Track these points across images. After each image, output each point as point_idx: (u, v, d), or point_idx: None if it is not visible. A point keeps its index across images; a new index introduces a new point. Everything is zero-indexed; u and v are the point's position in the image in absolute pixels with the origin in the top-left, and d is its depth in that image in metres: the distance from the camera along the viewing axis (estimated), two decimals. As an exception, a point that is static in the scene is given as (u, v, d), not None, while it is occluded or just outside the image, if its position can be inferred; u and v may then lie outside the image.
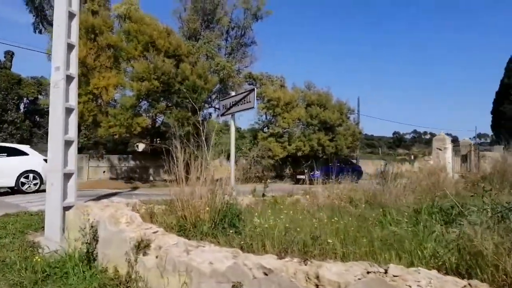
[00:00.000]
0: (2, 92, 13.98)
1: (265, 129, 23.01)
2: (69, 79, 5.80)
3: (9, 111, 13.92)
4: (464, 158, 17.11)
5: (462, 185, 10.40)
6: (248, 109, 8.01)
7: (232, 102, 8.66)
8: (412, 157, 44.08)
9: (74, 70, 5.93)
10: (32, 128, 20.93)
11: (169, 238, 3.72)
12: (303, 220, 4.26)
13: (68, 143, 5.78)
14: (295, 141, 21.61)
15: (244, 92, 8.18)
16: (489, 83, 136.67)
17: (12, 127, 13.24)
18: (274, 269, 2.50)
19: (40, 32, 27.17)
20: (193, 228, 4.02)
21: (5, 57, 27.34)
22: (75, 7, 5.98)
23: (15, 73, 24.76)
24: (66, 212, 5.23)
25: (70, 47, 5.85)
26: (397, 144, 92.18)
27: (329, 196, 7.55)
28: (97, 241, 4.29)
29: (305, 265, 2.40)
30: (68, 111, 5.80)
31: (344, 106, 25.33)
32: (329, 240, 3.00)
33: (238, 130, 25.17)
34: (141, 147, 30.09)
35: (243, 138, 23.59)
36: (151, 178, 18.50)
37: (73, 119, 5.94)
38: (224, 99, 9.37)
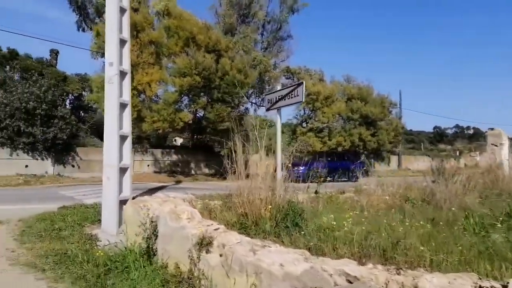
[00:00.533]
0: (52, 89, 14.56)
1: (304, 124, 22.64)
2: (122, 74, 5.83)
3: (59, 107, 14.50)
4: (521, 154, 15.92)
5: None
6: (296, 103, 7.79)
7: (279, 96, 8.45)
8: (458, 153, 42.12)
9: (127, 65, 5.95)
10: (77, 123, 21.78)
11: (231, 236, 3.59)
12: (372, 221, 4.01)
13: (123, 138, 5.83)
14: (336, 136, 21.10)
15: (292, 86, 7.95)
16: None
17: (62, 122, 13.77)
18: (360, 277, 2.29)
19: (83, 30, 28.15)
20: (255, 226, 3.88)
21: (50, 55, 28.66)
22: (125, 2, 6.00)
23: (61, 70, 25.88)
24: (124, 206, 5.27)
25: (122, 42, 5.88)
26: (438, 139, 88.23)
27: (383, 194, 7.19)
28: (156, 236, 4.26)
29: (399, 274, 2.17)
30: (122, 106, 5.83)
31: (386, 100, 24.45)
32: (420, 247, 2.73)
33: (271, 124, 24.96)
34: (179, 141, 30.63)
35: (281, 133, 23.32)
36: (192, 172, 18.72)
37: (127, 114, 5.98)
38: (270, 93, 9.17)
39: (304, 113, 23.53)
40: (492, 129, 19.30)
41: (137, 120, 15.22)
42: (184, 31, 15.39)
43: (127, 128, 5.92)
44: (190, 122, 15.70)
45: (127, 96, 5.88)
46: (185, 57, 14.89)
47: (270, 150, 20.49)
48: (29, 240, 4.82)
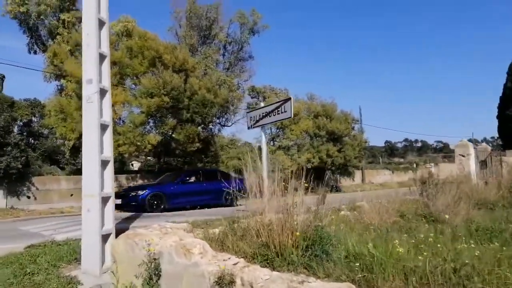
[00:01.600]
0: (4, 114, 13.25)
1: (272, 142, 22.50)
2: (102, 92, 5.21)
3: (11, 133, 13.17)
4: (483, 164, 16.74)
5: (495, 191, 9.95)
6: (285, 119, 7.50)
7: (263, 113, 8.13)
8: (415, 165, 43.96)
9: (107, 82, 5.34)
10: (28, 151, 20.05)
11: (257, 271, 3.11)
12: (404, 242, 3.68)
13: (104, 163, 5.16)
14: (305, 153, 21.11)
15: (278, 102, 7.68)
16: (479, 90, 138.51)
17: (16, 150, 12.48)
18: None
19: (35, 52, 26.51)
20: (279, 257, 3.40)
21: (-5, 80, 26.56)
22: (104, 14, 5.45)
23: (8, 95, 23.96)
24: (112, 242, 4.58)
25: (101, 57, 5.29)
26: (389, 153, 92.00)
27: (378, 211, 6.94)
28: (159, 276, 3.65)
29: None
30: (103, 127, 5.20)
31: (349, 116, 25.01)
32: (507, 273, 2.41)
33: (245, 143, 24.67)
34: (136, 165, 29.16)
35: (248, 153, 22.96)
36: (159, 197, 17.74)
37: (108, 136, 5.33)
38: (252, 110, 8.86)
39: (271, 131, 23.45)
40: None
41: (101, 144, 14.25)
42: (149, 51, 14.79)
43: (109, 152, 5.28)
44: (157, 144, 14.92)
45: (107, 117, 5.25)
46: (152, 77, 14.25)
47: (240, 171, 19.89)
48: (-3, 291, 4.00)
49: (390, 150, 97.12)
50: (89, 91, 5.07)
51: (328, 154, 22.07)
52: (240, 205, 13.66)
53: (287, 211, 3.73)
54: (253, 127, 8.79)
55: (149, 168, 18.72)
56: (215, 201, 13.35)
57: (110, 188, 5.22)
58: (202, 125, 16.57)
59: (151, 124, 15.84)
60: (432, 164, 48.61)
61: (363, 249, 3.51)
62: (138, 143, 13.99)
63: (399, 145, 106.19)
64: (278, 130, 22.34)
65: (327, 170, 25.81)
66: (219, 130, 22.20)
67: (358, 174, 30.65)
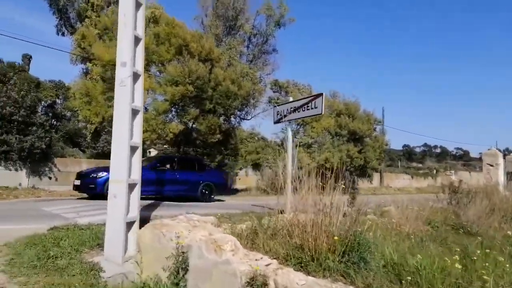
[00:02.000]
0: (32, 93, 13.42)
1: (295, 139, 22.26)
2: (135, 76, 5.10)
3: (36, 114, 13.35)
4: (510, 176, 16.11)
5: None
6: (314, 115, 7.27)
7: (291, 108, 7.92)
8: (434, 171, 42.98)
9: (140, 66, 5.23)
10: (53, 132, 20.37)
11: (292, 275, 2.93)
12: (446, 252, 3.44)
13: (133, 149, 5.06)
14: (324, 151, 20.79)
15: (308, 97, 7.44)
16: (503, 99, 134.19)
17: (41, 130, 12.62)
18: None
19: (63, 34, 26.89)
20: (314, 261, 3.22)
21: (23, 60, 27.06)
22: (141, -3, 5.33)
23: (33, 76, 24.40)
24: (137, 231, 4.49)
25: (136, 40, 5.16)
26: (407, 157, 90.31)
27: (407, 218, 6.65)
28: (186, 270, 3.53)
29: None
30: (134, 112, 5.08)
31: (372, 117, 24.52)
32: None
33: (262, 138, 24.50)
34: (153, 153, 29.38)
35: (266, 147, 22.81)
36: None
37: (139, 121, 5.22)
38: (280, 105, 8.65)
39: (292, 127, 23.22)
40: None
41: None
42: (176, 38, 14.70)
43: (138, 138, 5.17)
44: (179, 133, 14.88)
45: (139, 102, 5.15)
46: (178, 65, 14.16)
47: (257, 166, 19.62)
48: (21, 272, 3.95)
49: (408, 154, 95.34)
50: (122, 74, 4.96)
51: (348, 155, 21.69)
52: (220, 200, 13.36)
53: (323, 212, 3.53)
54: (281, 122, 8.59)
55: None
56: (189, 193, 12.31)
57: (137, 175, 5.12)
58: (224, 117, 16.45)
59: (173, 112, 15.79)
60: (453, 171, 47.57)
61: (402, 259, 3.30)
62: (160, 131, 13.97)
63: (417, 149, 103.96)
64: (298, 127, 22.06)
65: (346, 170, 25.48)
66: (238, 123, 22.11)
67: (376, 176, 30.11)
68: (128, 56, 4.95)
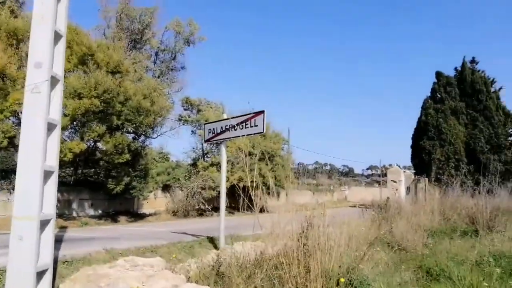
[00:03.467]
0: None
1: (207, 158, 21.53)
2: (53, 81, 4.01)
3: None
4: (407, 190, 17.94)
5: (437, 219, 10.46)
6: (254, 134, 6.82)
7: (226, 125, 7.37)
8: (332, 187, 46.25)
9: (60, 69, 4.14)
10: None
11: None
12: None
13: (47, 175, 3.92)
14: (238, 171, 20.49)
15: (247, 114, 6.98)
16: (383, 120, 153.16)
17: None
18: None
19: None
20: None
21: None
22: (60, -16, 4.30)
23: None
24: (66, 285, 3.36)
25: (57, 36, 4.10)
26: (302, 174, 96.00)
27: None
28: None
29: None
30: (50, 127, 3.97)
31: (280, 136, 25.25)
32: None
33: (168, 158, 23.21)
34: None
35: (177, 167, 21.64)
36: (74, 213, 15.45)
37: (55, 139, 4.11)
38: (211, 122, 8.00)
39: (202, 146, 22.49)
40: (390, 165, 21.85)
41: (9, 149, 11.99)
42: (79, 46, 13.01)
43: (54, 160, 4.06)
44: (80, 153, 13.00)
45: (57, 114, 4.06)
46: (82, 76, 12.48)
47: (167, 187, 18.35)
48: None
49: (303, 171, 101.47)
50: (36, 78, 3.84)
51: (260, 173, 21.75)
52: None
53: (316, 246, 3.03)
54: (212, 141, 7.96)
55: (62, 180, 16.28)
56: None
57: (52, 208, 3.99)
58: (134, 135, 15.03)
59: (72, 129, 13.85)
60: (346, 187, 51.91)
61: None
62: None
63: (310, 167, 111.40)
64: (212, 146, 21.46)
65: (257, 189, 25.57)
66: (149, 142, 20.54)
67: (283, 193, 30.96)
68: (45, 56, 3.87)
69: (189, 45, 26.80)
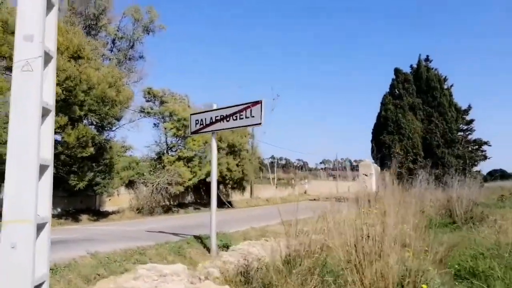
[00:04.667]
0: None
1: (171, 152, 20.68)
2: (46, 58, 3.36)
3: None
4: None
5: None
6: (251, 125, 6.41)
7: (217, 116, 6.92)
8: (293, 181, 46.78)
9: (53, 44, 3.48)
10: None
11: None
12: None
13: (41, 170, 3.28)
14: (206, 165, 19.91)
15: (242, 104, 6.54)
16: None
17: None
18: None
19: None
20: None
21: None
22: None
23: None
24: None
25: (49, 5, 3.44)
26: (260, 168, 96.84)
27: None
28: None
29: None
30: (44, 113, 3.34)
31: (246, 130, 24.95)
32: None
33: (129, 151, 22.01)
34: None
35: (141, 162, 20.58)
36: (29, 213, 14.12)
37: (50, 127, 3.45)
38: (198, 113, 7.47)
39: (168, 140, 21.57)
40: (361, 160, 22.42)
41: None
42: (37, 28, 11.76)
43: (49, 152, 3.42)
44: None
45: (51, 97, 3.42)
46: (41, 61, 11.29)
47: (131, 183, 17.40)
48: None
49: (260, 166, 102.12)
50: (26, 54, 3.18)
51: (228, 168, 21.37)
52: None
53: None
54: (200, 133, 7.47)
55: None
56: None
57: (47, 208, 3.37)
58: (98, 127, 13.99)
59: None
60: (306, 180, 52.84)
61: None
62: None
63: (266, 161, 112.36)
64: (178, 139, 20.67)
65: (224, 184, 25.10)
66: (114, 135, 19.26)
67: (248, 188, 30.77)
68: (37, 27, 3.22)
69: (148, 33, 25.63)
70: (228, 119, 6.69)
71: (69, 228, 11.33)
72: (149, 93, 22.11)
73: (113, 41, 25.44)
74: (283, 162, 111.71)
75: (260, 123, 6.23)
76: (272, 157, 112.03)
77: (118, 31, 25.00)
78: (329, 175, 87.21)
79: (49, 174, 3.41)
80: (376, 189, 16.19)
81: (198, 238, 7.90)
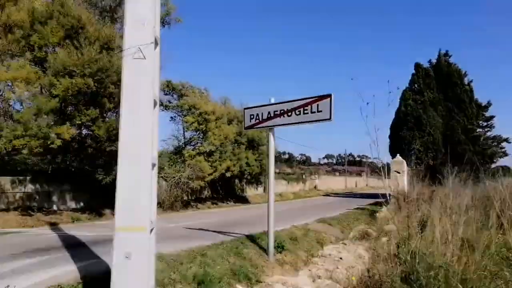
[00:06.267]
0: None
1: (189, 147, 20.35)
2: (155, 46, 3.03)
3: None
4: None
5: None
6: (318, 121, 6.05)
7: (277, 111, 6.57)
8: (303, 176, 46.42)
9: (158, 29, 3.16)
10: None
11: None
12: None
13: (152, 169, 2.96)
14: (226, 160, 19.60)
15: (307, 98, 6.18)
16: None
17: None
18: None
19: None
20: None
21: None
22: None
23: None
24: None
25: (156, -12, 3.10)
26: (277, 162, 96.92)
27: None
28: None
29: None
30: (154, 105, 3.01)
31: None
32: None
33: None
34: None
35: (160, 156, 20.28)
36: (54, 207, 13.84)
37: (156, 121, 3.14)
38: (252, 107, 7.10)
39: (184, 134, 21.22)
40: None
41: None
42: (67, 18, 11.42)
43: (156, 148, 3.11)
44: (71, 139, 11.54)
45: (157, 88, 3.10)
46: (73, 51, 10.97)
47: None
48: None
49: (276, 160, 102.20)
50: (137, 40, 2.86)
51: (247, 162, 21.07)
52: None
53: None
54: (255, 128, 7.14)
55: (37, 168, 14.52)
56: None
57: (154, 211, 3.06)
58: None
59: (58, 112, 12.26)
60: (316, 176, 52.52)
61: None
62: (44, 137, 10.51)
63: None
64: (197, 133, 20.33)
65: (240, 179, 24.80)
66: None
67: (263, 183, 30.44)
68: (150, 10, 2.89)
69: (164, 26, 25.24)
70: (290, 113, 6.33)
71: (101, 224, 11.07)
72: (167, 86, 21.70)
73: (129, 33, 25.00)
74: (286, 156, 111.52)
75: (329, 119, 5.86)
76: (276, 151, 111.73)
77: (133, 22, 24.55)
78: (334, 170, 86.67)
79: (155, 173, 3.09)
80: (408, 187, 15.86)
81: (249, 237, 7.60)
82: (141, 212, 2.73)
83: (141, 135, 2.79)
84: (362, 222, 12.25)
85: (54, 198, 14.16)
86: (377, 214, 9.50)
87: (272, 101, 6.77)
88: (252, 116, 6.98)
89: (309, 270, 3.62)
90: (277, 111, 6.56)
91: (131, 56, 2.84)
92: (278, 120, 6.57)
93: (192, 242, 6.72)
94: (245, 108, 7.26)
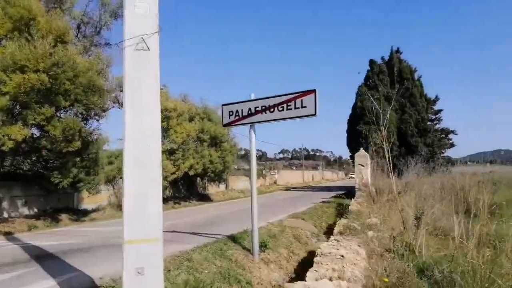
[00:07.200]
0: None
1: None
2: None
3: None
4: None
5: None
6: (302, 117, 5.95)
7: (257, 107, 6.40)
8: (263, 171, 46.67)
9: (157, 19, 2.85)
10: None
11: None
12: None
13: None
14: (189, 158, 19.10)
15: (291, 94, 6.05)
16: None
17: None
18: None
19: None
20: None
21: None
22: None
23: None
24: None
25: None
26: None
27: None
28: None
29: None
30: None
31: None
32: None
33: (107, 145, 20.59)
34: None
35: (120, 156, 19.33)
36: (5, 214, 12.64)
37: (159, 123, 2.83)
38: (232, 104, 6.85)
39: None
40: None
41: None
42: (16, 8, 10.42)
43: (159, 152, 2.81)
44: (23, 140, 10.56)
45: (159, 83, 2.80)
46: (25, 45, 10.02)
47: (111, 179, 16.41)
48: None
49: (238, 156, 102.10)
50: (139, 29, 2.55)
51: (210, 160, 20.70)
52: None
53: None
54: (233, 126, 6.92)
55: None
56: None
57: (161, 221, 2.78)
58: (83, 119, 12.80)
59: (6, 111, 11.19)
60: (276, 171, 53.06)
61: None
62: (-6, 137, 9.55)
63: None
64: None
65: (202, 177, 24.30)
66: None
67: (225, 180, 30.12)
68: (153, -4, 2.58)
69: (116, 19, 24.06)
70: (272, 110, 6.18)
71: (62, 231, 10.29)
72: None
73: (78, 27, 23.56)
74: (242, 152, 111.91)
75: (315, 114, 5.79)
76: (240, 148, 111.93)
77: (84, 15, 23.18)
78: (291, 165, 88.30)
79: (159, 179, 2.80)
80: (371, 179, 16.37)
81: (231, 237, 7.38)
82: (152, 221, 2.45)
83: (148, 138, 2.50)
84: (332, 216, 12.44)
85: (4, 204, 12.96)
86: (350, 207, 9.65)
87: (253, 96, 6.58)
88: (231, 113, 6.75)
89: (316, 270, 3.51)
90: (258, 107, 6.38)
91: (133, 47, 2.52)
92: (259, 117, 6.40)
93: (172, 246, 6.38)
94: (223, 105, 6.99)
